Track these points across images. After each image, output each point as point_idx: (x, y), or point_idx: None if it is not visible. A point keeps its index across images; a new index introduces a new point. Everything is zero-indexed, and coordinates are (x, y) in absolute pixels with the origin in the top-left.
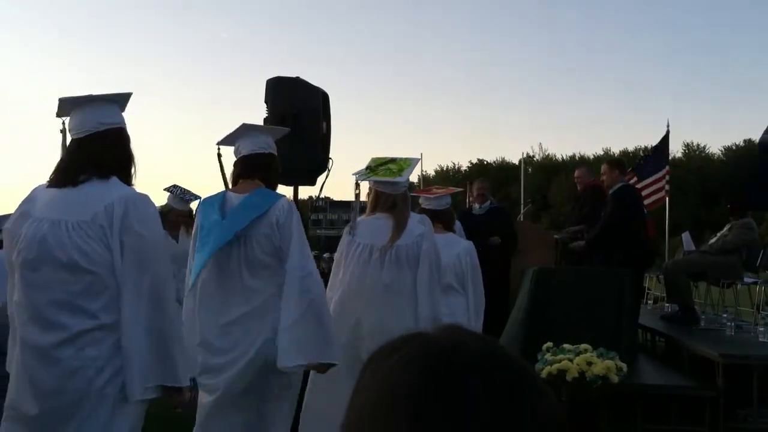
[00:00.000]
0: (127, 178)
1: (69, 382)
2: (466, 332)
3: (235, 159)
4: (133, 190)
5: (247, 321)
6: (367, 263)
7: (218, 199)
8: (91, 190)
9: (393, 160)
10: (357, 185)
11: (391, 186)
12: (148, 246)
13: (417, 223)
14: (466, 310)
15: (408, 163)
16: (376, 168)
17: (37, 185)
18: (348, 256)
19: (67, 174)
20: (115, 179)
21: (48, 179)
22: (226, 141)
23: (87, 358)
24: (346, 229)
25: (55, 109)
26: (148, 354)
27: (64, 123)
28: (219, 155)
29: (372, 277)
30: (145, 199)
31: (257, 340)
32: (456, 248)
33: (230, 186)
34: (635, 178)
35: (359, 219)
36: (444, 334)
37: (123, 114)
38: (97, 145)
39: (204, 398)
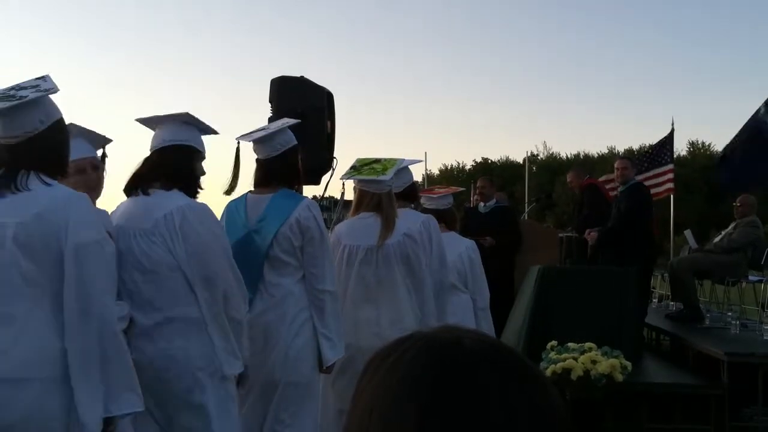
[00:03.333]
0: (188, 190)
1: (145, 372)
2: (462, 329)
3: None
4: (190, 199)
5: (267, 315)
6: (353, 265)
7: (242, 204)
8: (155, 200)
9: (378, 161)
10: (343, 185)
11: (375, 184)
12: (203, 248)
13: (402, 222)
14: (470, 309)
15: (392, 163)
16: (361, 168)
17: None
18: (335, 259)
19: (134, 185)
20: (176, 191)
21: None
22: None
23: (172, 348)
24: (331, 227)
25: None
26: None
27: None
28: (237, 150)
29: (358, 278)
30: (200, 207)
31: (276, 335)
32: (458, 247)
33: (236, 183)
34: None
35: (342, 222)
36: (441, 332)
37: (201, 137)
38: (162, 158)
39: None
